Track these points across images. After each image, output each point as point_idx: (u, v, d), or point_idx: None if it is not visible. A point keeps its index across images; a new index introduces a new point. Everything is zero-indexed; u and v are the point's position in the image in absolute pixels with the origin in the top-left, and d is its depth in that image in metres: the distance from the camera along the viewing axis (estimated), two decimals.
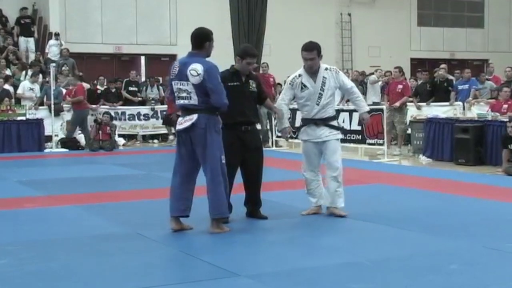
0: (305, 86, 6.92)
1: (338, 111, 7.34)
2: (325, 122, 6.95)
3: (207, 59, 6.22)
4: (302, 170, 7.06)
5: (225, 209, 6.22)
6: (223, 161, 6.14)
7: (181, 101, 6.18)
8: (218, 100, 6.06)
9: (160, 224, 6.61)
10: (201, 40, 6.24)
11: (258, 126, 6.95)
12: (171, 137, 17.57)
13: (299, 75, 6.98)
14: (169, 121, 17.15)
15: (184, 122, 6.14)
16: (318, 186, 7.05)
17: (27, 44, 20.54)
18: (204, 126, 6.05)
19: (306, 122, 7.04)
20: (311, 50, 6.88)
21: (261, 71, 16.59)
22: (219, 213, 6.19)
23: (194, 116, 6.07)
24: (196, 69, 6.04)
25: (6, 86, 16.88)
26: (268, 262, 5.20)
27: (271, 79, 16.68)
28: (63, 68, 18.52)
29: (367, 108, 7.29)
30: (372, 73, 17.54)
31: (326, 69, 6.99)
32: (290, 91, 7.03)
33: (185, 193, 6.30)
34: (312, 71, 6.93)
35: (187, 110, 6.17)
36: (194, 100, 6.08)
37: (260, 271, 4.95)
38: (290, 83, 7.04)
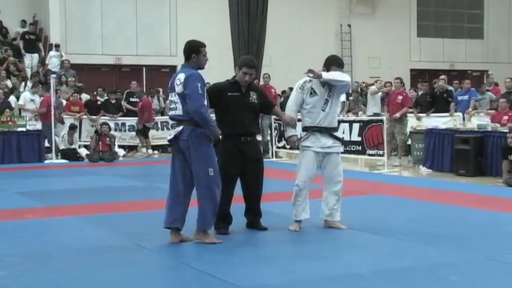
0: (314, 92, 6.82)
1: (338, 122, 7.27)
2: (329, 131, 6.88)
3: (199, 70, 6.27)
4: (297, 180, 6.89)
5: (207, 222, 6.20)
6: (211, 174, 6.11)
7: (170, 112, 6.37)
8: (192, 105, 6.02)
9: (160, 235, 6.59)
10: (189, 52, 6.30)
11: (259, 137, 6.93)
12: (143, 149, 17.53)
13: (310, 80, 6.89)
14: (139, 131, 17.15)
15: (171, 134, 6.29)
16: (305, 199, 6.89)
17: (32, 60, 20.53)
18: (186, 138, 6.10)
19: (309, 129, 6.90)
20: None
21: (262, 82, 16.60)
22: (200, 226, 6.23)
23: (179, 128, 6.16)
24: (179, 78, 6.14)
25: (12, 98, 16.95)
26: (268, 274, 5.19)
27: (273, 90, 16.62)
28: (69, 79, 18.59)
29: (328, 76, 6.83)
30: (372, 84, 17.55)
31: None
32: (299, 95, 6.90)
33: (176, 206, 6.30)
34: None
35: (175, 121, 6.32)
36: (179, 110, 6.17)
37: (260, 282, 4.94)
38: (300, 87, 6.92)
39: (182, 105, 6.13)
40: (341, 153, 7.15)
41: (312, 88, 6.85)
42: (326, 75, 6.78)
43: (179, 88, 6.12)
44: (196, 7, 23.17)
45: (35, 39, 20.52)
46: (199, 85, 6.06)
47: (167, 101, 6.43)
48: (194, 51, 6.27)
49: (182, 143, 6.14)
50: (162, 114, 18.67)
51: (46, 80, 17.96)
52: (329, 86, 6.84)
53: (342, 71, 6.98)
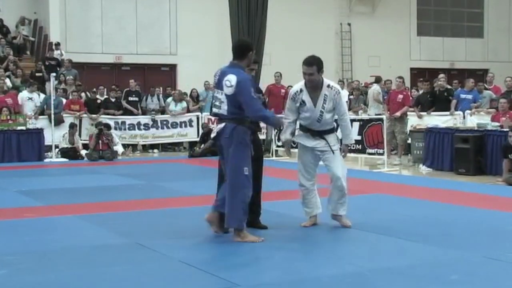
0: (304, 102, 6.74)
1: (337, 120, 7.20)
2: (321, 134, 6.79)
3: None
4: (299, 180, 6.93)
5: (236, 221, 6.17)
6: (246, 173, 6.16)
7: (214, 109, 6.41)
8: (251, 113, 6.14)
9: (160, 234, 6.61)
10: (243, 50, 6.35)
11: (262, 136, 6.91)
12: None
13: (300, 91, 6.77)
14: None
15: (214, 131, 6.37)
16: (313, 196, 6.91)
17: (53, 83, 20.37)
18: (228, 135, 6.17)
19: (302, 129, 6.91)
20: (310, 65, 6.65)
21: (273, 82, 16.60)
22: (230, 224, 6.22)
23: (221, 125, 6.23)
24: (230, 79, 6.15)
25: (33, 95, 16.97)
26: (268, 273, 5.19)
27: (282, 91, 16.50)
28: (67, 77, 18.58)
29: (352, 141, 7.21)
30: (376, 81, 17.50)
31: (329, 86, 6.74)
32: (293, 105, 6.84)
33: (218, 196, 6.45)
34: (312, 85, 6.73)
35: (218, 119, 6.37)
36: (224, 110, 6.23)
37: (260, 281, 4.94)
38: (291, 98, 6.86)
39: (227, 106, 6.19)
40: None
41: (302, 100, 6.76)
42: (349, 141, 7.04)
43: (228, 90, 6.14)
44: (196, 6, 23.13)
45: (56, 64, 20.15)
46: (251, 90, 6.15)
47: (214, 97, 6.46)
48: (251, 49, 6.37)
49: (223, 141, 6.23)
50: (162, 113, 18.68)
51: (49, 77, 17.92)
52: (323, 98, 6.70)
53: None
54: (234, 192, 6.14)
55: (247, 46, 6.40)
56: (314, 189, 6.94)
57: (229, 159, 6.17)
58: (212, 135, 6.40)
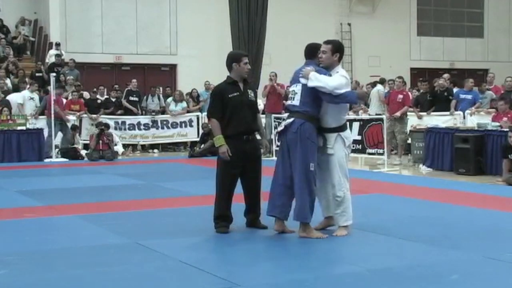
0: None
1: None
2: (323, 132, 6.53)
3: None
4: None
5: (306, 215, 6.32)
6: (312, 169, 6.30)
7: (288, 101, 6.61)
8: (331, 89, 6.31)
9: (160, 234, 6.61)
10: (313, 50, 6.60)
11: (259, 136, 6.91)
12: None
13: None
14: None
15: (282, 125, 6.50)
16: (325, 198, 6.66)
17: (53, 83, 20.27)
18: (295, 130, 6.31)
19: None
20: (327, 43, 6.60)
21: (268, 82, 16.53)
22: (300, 217, 6.35)
23: (290, 120, 6.37)
24: (307, 69, 6.40)
25: (34, 95, 17.04)
26: (268, 273, 5.19)
27: (282, 90, 16.42)
28: (68, 77, 18.56)
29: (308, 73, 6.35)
30: (376, 82, 17.48)
31: (337, 72, 6.51)
32: None
33: (276, 196, 6.49)
34: (324, 66, 6.52)
35: (289, 112, 6.54)
36: (296, 101, 6.41)
37: (260, 281, 4.93)
38: None
39: (301, 97, 6.39)
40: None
41: None
42: (313, 80, 6.30)
43: (305, 80, 6.36)
44: (196, 6, 23.16)
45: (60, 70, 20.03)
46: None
47: (289, 93, 6.65)
48: (319, 49, 6.58)
49: (290, 135, 6.37)
50: (163, 113, 18.68)
51: (49, 77, 17.93)
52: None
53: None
54: (303, 187, 6.30)
55: (315, 47, 6.64)
56: (325, 192, 6.64)
57: (297, 155, 6.31)
58: (279, 129, 6.51)
